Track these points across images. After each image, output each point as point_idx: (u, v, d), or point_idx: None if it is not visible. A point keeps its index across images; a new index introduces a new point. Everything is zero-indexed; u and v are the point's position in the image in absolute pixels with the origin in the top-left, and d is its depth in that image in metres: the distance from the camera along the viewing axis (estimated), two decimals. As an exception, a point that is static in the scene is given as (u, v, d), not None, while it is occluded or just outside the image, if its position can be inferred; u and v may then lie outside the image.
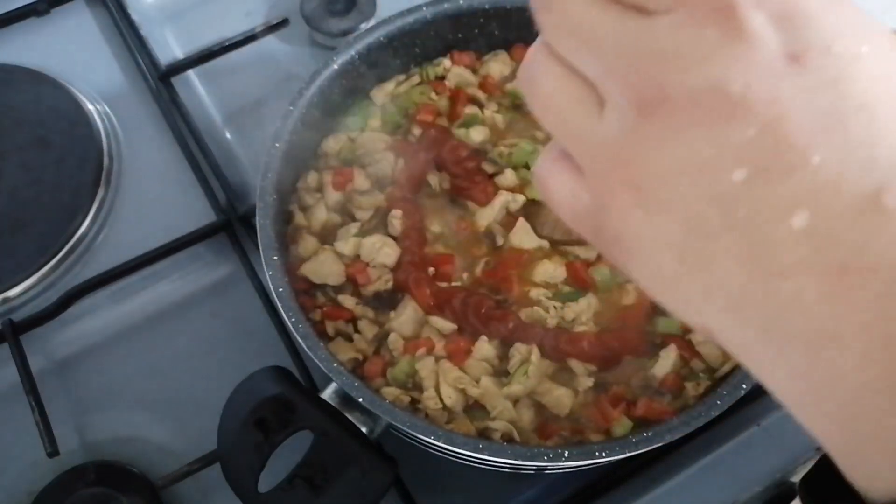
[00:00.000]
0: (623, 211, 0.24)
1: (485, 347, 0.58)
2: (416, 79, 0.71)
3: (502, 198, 0.63)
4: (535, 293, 0.60)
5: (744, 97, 0.21)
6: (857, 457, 0.23)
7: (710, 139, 0.22)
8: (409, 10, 0.68)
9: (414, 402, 0.56)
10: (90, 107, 0.78)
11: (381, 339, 0.59)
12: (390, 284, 0.61)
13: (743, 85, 0.21)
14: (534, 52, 0.27)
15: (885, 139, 0.21)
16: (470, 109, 0.68)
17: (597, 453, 0.50)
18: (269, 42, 0.81)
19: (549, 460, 0.50)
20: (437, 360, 0.57)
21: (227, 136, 0.77)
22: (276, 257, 0.57)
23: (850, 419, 0.23)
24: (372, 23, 0.78)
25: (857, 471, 0.24)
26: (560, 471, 0.59)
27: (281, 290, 0.56)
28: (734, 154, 0.22)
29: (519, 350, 0.57)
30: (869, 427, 0.22)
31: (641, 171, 0.23)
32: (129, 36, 0.81)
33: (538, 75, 0.26)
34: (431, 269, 0.61)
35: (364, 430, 0.52)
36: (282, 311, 0.56)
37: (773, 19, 0.21)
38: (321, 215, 0.64)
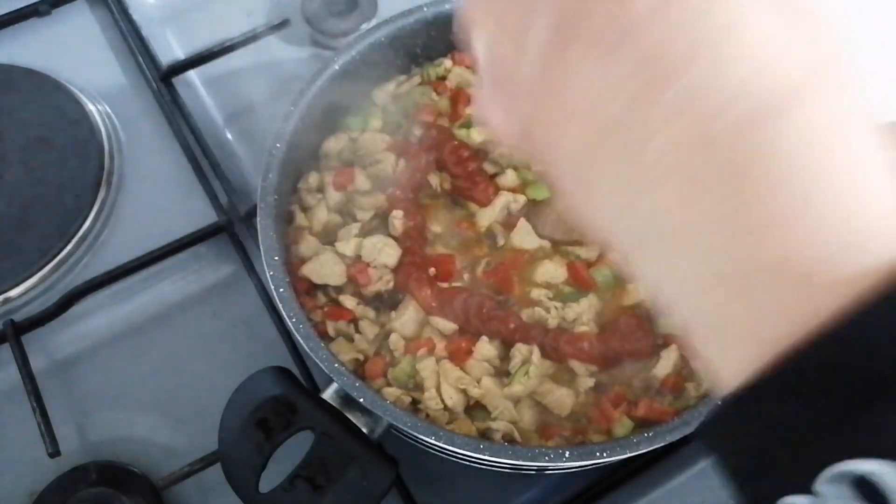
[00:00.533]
0: (543, 124, 0.29)
1: (486, 348, 0.58)
2: (417, 79, 0.71)
3: (503, 198, 0.63)
4: (535, 293, 0.60)
5: (629, 33, 0.25)
6: (721, 348, 0.27)
7: (601, 71, 0.26)
8: (410, 11, 0.68)
9: (415, 402, 0.56)
10: (91, 107, 0.78)
11: (382, 339, 0.59)
12: (391, 285, 0.61)
13: (627, 25, 0.25)
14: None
15: (728, 71, 0.24)
16: (471, 109, 0.68)
17: (598, 454, 0.50)
18: (270, 42, 0.81)
19: (550, 461, 0.50)
20: (438, 360, 0.57)
21: (228, 136, 0.77)
22: (277, 258, 0.57)
23: (706, 311, 0.27)
24: (373, 23, 0.78)
25: (724, 365, 0.27)
26: (561, 471, 0.59)
27: (282, 290, 0.56)
28: (617, 84, 0.25)
29: (520, 350, 0.57)
30: (720, 316, 0.26)
31: (557, 93, 0.28)
32: (130, 36, 0.81)
33: (473, 8, 0.31)
34: (432, 270, 0.61)
35: (365, 430, 0.52)
36: (283, 311, 0.56)
37: None
38: (322, 216, 0.64)
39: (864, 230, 0.24)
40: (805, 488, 0.23)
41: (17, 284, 0.69)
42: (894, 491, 0.21)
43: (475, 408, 0.57)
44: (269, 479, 0.50)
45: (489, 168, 0.66)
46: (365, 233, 0.63)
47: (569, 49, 0.26)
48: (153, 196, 0.74)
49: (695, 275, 0.26)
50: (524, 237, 0.62)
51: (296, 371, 0.62)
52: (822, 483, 0.23)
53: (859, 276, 0.23)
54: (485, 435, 0.55)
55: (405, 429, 0.51)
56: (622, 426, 0.55)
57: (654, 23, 0.25)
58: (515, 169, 0.65)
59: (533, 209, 0.64)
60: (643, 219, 0.27)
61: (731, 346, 0.26)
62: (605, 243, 0.30)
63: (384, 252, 0.61)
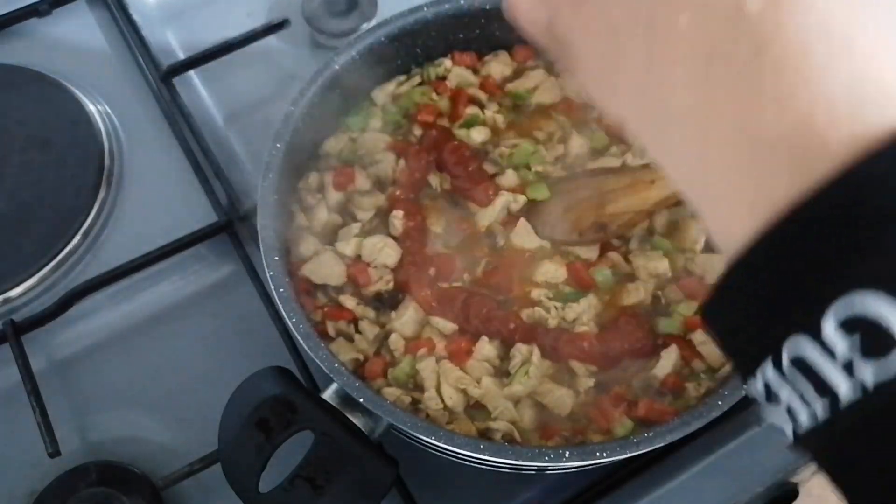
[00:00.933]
0: (568, 16, 0.32)
1: (486, 348, 0.58)
2: (417, 79, 0.71)
3: (503, 198, 0.63)
4: (535, 293, 0.60)
5: None
6: (717, 213, 0.28)
7: None
8: (410, 11, 0.68)
9: (415, 402, 0.56)
10: (91, 107, 0.78)
11: (382, 339, 0.59)
12: (391, 285, 0.61)
13: None
14: None
15: None
16: (471, 110, 0.68)
17: (598, 454, 0.50)
18: (271, 42, 0.81)
19: (550, 460, 0.50)
20: (438, 360, 0.57)
21: (229, 136, 0.77)
22: (277, 258, 0.57)
23: (713, 180, 0.28)
24: (373, 23, 0.78)
25: (720, 228, 0.28)
26: (561, 471, 0.59)
27: (282, 290, 0.56)
28: None
29: (520, 350, 0.57)
30: (724, 185, 0.27)
31: None
32: (130, 36, 0.81)
33: None
34: (432, 270, 0.61)
35: (365, 430, 0.52)
36: (283, 311, 0.56)
37: None
38: (322, 216, 0.64)
39: (882, 91, 0.24)
40: (810, 330, 0.24)
41: (18, 284, 0.69)
42: (889, 321, 0.22)
43: (475, 408, 0.57)
44: (269, 479, 0.50)
45: (489, 168, 0.66)
46: (365, 233, 0.63)
47: None
48: (153, 196, 0.74)
49: (702, 141, 0.28)
50: (524, 237, 0.62)
51: (296, 371, 0.62)
52: (828, 325, 0.24)
53: (872, 131, 0.24)
54: (485, 435, 0.55)
55: (405, 429, 0.51)
56: (622, 426, 0.55)
57: None
58: (515, 169, 0.65)
59: (533, 209, 0.64)
60: (661, 97, 0.29)
61: (731, 210, 0.27)
62: (620, 123, 0.32)
63: (384, 252, 0.61)
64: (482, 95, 0.69)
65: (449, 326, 0.59)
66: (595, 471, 0.60)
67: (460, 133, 0.67)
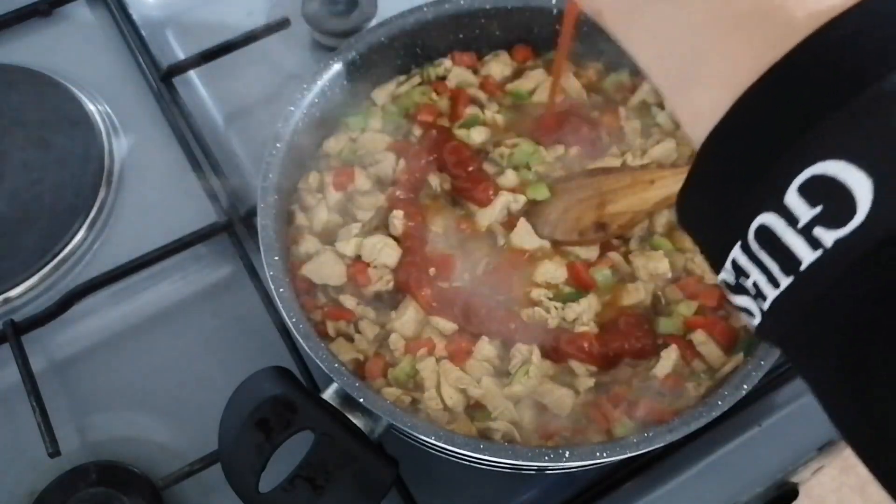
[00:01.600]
0: None
1: (486, 348, 0.58)
2: (416, 79, 0.71)
3: (503, 198, 0.63)
4: (535, 294, 0.60)
5: None
6: (690, 98, 0.28)
7: None
8: (410, 11, 0.68)
9: (415, 402, 0.56)
10: (91, 107, 0.78)
11: (382, 339, 0.59)
12: (391, 285, 0.61)
13: None
14: None
15: None
16: (471, 110, 0.68)
17: (598, 454, 0.50)
18: (271, 42, 0.81)
19: (550, 460, 0.50)
20: (438, 360, 0.57)
21: (229, 136, 0.77)
22: (277, 258, 0.58)
23: (686, 63, 0.28)
24: (373, 23, 0.78)
25: (691, 113, 0.28)
26: (561, 471, 0.59)
27: (282, 290, 0.56)
28: None
29: (520, 350, 0.57)
30: (696, 66, 0.28)
31: None
32: (130, 36, 0.81)
33: None
34: (432, 270, 0.61)
35: (365, 430, 0.52)
36: (283, 311, 0.56)
37: None
38: (322, 216, 0.64)
39: None
40: (777, 204, 0.24)
41: (18, 284, 0.69)
42: (852, 188, 0.22)
43: (475, 408, 0.57)
44: (269, 479, 0.50)
45: (489, 168, 0.66)
46: (365, 233, 0.63)
47: None
48: (153, 196, 0.74)
49: (679, 29, 0.28)
50: (524, 237, 0.62)
51: (296, 371, 0.62)
52: (791, 195, 0.24)
53: (836, 3, 0.24)
54: (485, 435, 0.55)
55: (405, 429, 0.51)
56: (622, 426, 0.55)
57: None
58: (515, 169, 0.65)
59: (533, 209, 0.64)
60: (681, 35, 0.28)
61: (704, 90, 0.27)
62: (595, 13, 0.33)
63: (384, 252, 0.61)
64: (482, 95, 0.70)
65: (449, 326, 0.59)
66: (595, 471, 0.60)
67: (460, 133, 0.67)
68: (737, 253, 0.26)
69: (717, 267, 0.28)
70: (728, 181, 0.26)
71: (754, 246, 0.25)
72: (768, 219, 0.25)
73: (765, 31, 0.25)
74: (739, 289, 0.27)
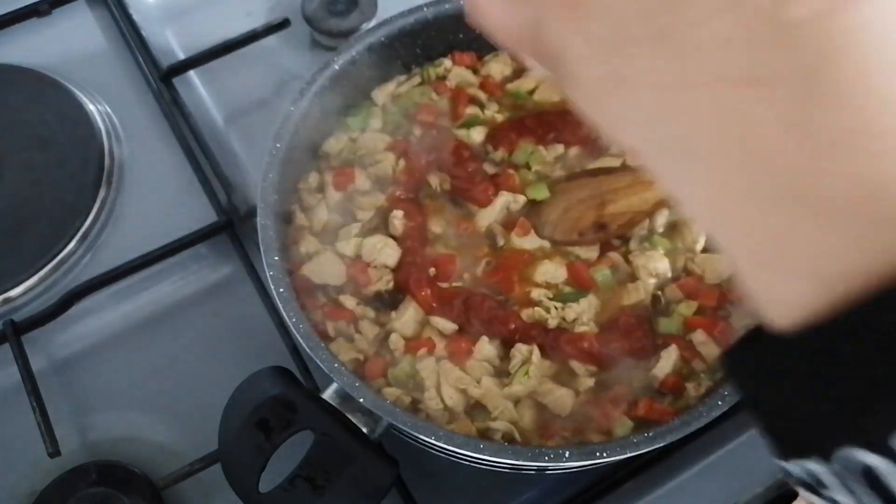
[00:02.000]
0: (559, 20, 0.25)
1: (486, 348, 0.58)
2: (417, 79, 0.71)
3: (503, 198, 0.63)
4: (535, 293, 0.60)
5: None
6: (767, 283, 0.23)
7: None
8: (410, 11, 0.68)
9: (415, 402, 0.56)
10: (91, 107, 0.78)
11: (382, 339, 0.59)
12: (391, 285, 0.61)
13: None
14: None
15: None
16: (471, 110, 0.68)
17: (598, 453, 0.50)
18: (271, 42, 0.81)
19: (550, 461, 0.50)
20: (438, 360, 0.57)
21: (229, 136, 0.77)
22: (277, 258, 0.57)
23: (756, 242, 0.23)
24: (373, 23, 0.78)
25: (769, 301, 0.23)
26: (561, 471, 0.59)
27: (282, 290, 0.56)
28: None
29: (520, 350, 0.57)
30: (772, 247, 0.22)
31: None
32: (130, 36, 0.81)
33: None
34: (432, 270, 0.61)
35: (365, 430, 0.52)
36: (283, 311, 0.56)
37: None
38: (322, 216, 0.64)
39: None
40: (881, 445, 0.20)
41: (18, 284, 0.69)
42: None
43: (475, 408, 0.56)
44: (269, 479, 0.50)
45: (489, 168, 0.66)
46: (365, 233, 0.63)
47: None
48: (153, 196, 0.74)
49: (744, 196, 0.22)
50: (524, 237, 0.62)
51: (296, 371, 0.62)
52: (840, 457, 0.21)
53: None
54: (485, 435, 0.55)
55: (405, 429, 0.51)
56: (622, 426, 0.55)
57: None
58: (515, 169, 0.65)
59: (533, 209, 0.64)
60: (680, 130, 0.23)
61: (784, 280, 0.22)
62: (631, 153, 0.26)
63: (384, 252, 0.61)
64: (482, 95, 0.69)
65: (449, 326, 0.59)
66: (595, 471, 0.60)
67: (460, 133, 0.67)
68: (817, 467, 0.22)
69: (777, 447, 0.24)
70: (819, 391, 0.22)
71: (843, 472, 0.21)
72: (870, 459, 0.20)
73: (874, 225, 0.20)
74: (807, 486, 0.23)
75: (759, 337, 0.24)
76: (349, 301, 0.60)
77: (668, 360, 0.57)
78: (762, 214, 0.22)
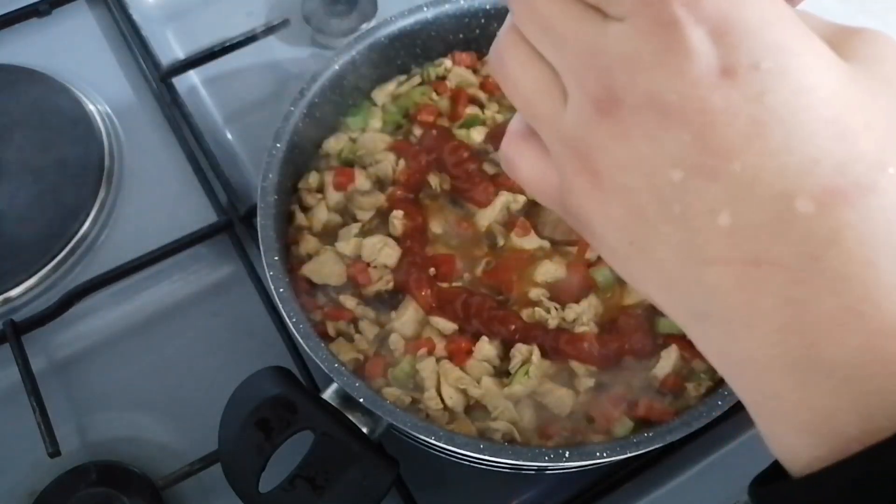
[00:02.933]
0: (583, 193, 0.28)
1: (486, 348, 0.58)
2: (416, 79, 0.71)
3: (503, 198, 0.63)
4: (535, 293, 0.60)
5: (680, 107, 0.24)
6: (775, 432, 0.26)
7: (653, 141, 0.25)
8: (410, 11, 0.68)
9: (415, 402, 0.56)
10: (91, 107, 0.78)
11: (382, 339, 0.59)
12: (391, 285, 0.61)
13: (679, 95, 0.24)
14: (505, 32, 0.29)
15: (799, 149, 0.23)
16: (471, 110, 0.68)
17: (598, 454, 0.50)
18: (270, 42, 0.81)
19: (550, 461, 0.50)
20: (438, 360, 0.57)
21: (229, 136, 0.77)
22: (277, 258, 0.57)
23: (763, 397, 0.25)
24: (373, 23, 0.78)
25: (778, 446, 0.26)
26: (561, 471, 0.59)
27: (282, 290, 0.56)
28: (671, 156, 0.24)
29: (520, 350, 0.57)
30: (776, 404, 0.25)
31: (598, 161, 0.26)
32: (130, 36, 0.82)
33: (507, 57, 0.29)
34: (432, 270, 0.61)
35: (365, 430, 0.52)
36: (283, 311, 0.56)
37: (712, 34, 0.23)
38: (322, 216, 0.64)
39: None
40: None
41: (18, 284, 0.69)
42: None
43: (475, 408, 0.56)
44: (269, 479, 0.50)
45: (489, 168, 0.66)
46: (365, 233, 0.63)
47: (614, 115, 0.25)
48: (153, 196, 0.74)
49: (757, 356, 0.25)
50: (524, 237, 0.62)
51: (296, 371, 0.62)
52: None
53: None
54: (485, 435, 0.55)
55: (405, 429, 0.51)
56: (622, 426, 0.55)
57: (715, 91, 0.23)
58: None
59: (533, 209, 0.64)
60: (696, 295, 0.26)
61: (792, 432, 0.25)
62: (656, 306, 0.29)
63: (384, 252, 0.61)
64: (482, 95, 0.69)
65: (449, 326, 0.59)
66: (595, 471, 0.60)
67: (460, 133, 0.67)
68: None
69: None
70: None
71: None
72: None
73: (868, 391, 0.22)
74: None
75: (778, 473, 0.27)
76: (349, 301, 0.60)
77: (668, 360, 0.57)
78: (769, 374, 0.24)
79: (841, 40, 0.25)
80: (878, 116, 0.23)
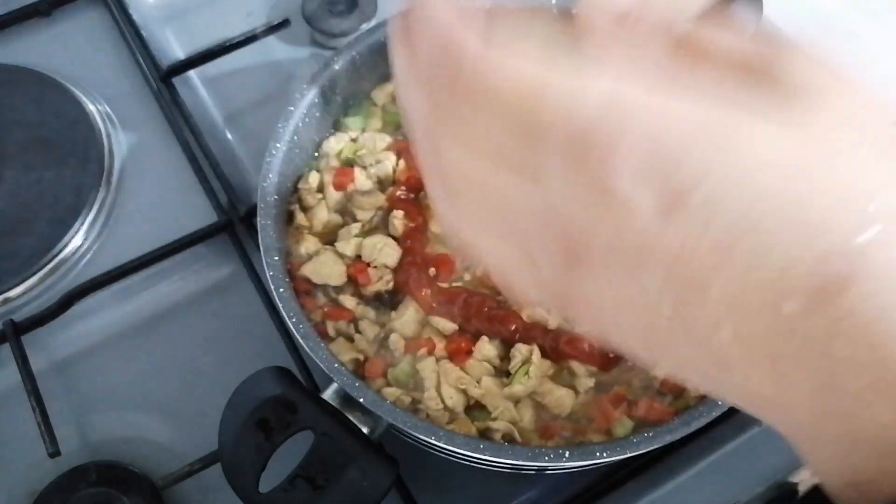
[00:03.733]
0: (581, 320, 0.29)
1: (486, 348, 0.58)
2: (417, 79, 0.70)
3: (503, 198, 0.63)
4: (535, 293, 0.60)
5: (641, 252, 0.24)
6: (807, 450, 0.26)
7: (634, 282, 0.25)
8: (411, 11, 0.68)
9: (415, 402, 0.56)
10: (91, 107, 0.78)
11: (383, 339, 0.59)
12: (391, 285, 0.61)
13: (636, 243, 0.24)
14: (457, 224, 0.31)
15: (766, 261, 0.23)
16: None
17: (598, 453, 0.50)
18: (271, 42, 0.81)
19: (550, 461, 0.50)
20: (438, 360, 0.57)
21: (229, 136, 0.77)
22: (277, 258, 0.58)
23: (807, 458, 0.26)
24: (373, 23, 0.78)
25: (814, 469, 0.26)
26: (561, 471, 0.59)
27: (282, 290, 0.56)
28: (657, 290, 0.25)
29: (520, 350, 0.57)
30: (822, 468, 0.25)
31: (586, 304, 0.28)
32: (130, 36, 0.81)
33: (475, 241, 0.31)
34: (432, 270, 0.61)
35: (365, 430, 0.52)
36: (283, 311, 0.56)
37: (641, 177, 0.23)
38: (322, 216, 0.64)
39: None
40: None
41: (17, 284, 0.69)
42: None
43: (475, 408, 0.56)
44: (269, 479, 0.50)
45: (489, 168, 0.66)
46: (365, 233, 0.63)
47: (583, 268, 0.26)
48: (153, 196, 0.74)
49: (784, 427, 0.26)
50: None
51: (296, 371, 0.62)
52: None
53: None
54: (485, 435, 0.55)
55: (405, 429, 0.51)
56: (622, 426, 0.55)
57: (666, 229, 0.23)
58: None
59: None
60: (717, 385, 0.27)
61: (825, 478, 0.26)
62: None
63: (384, 252, 0.61)
64: (482, 95, 0.69)
65: (449, 326, 0.59)
66: (595, 471, 0.60)
67: (460, 133, 0.67)
68: None
69: None
70: None
71: None
72: None
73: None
74: None
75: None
76: (349, 301, 0.60)
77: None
78: (801, 444, 0.26)
79: (766, 67, 0.24)
80: (831, 176, 0.23)
